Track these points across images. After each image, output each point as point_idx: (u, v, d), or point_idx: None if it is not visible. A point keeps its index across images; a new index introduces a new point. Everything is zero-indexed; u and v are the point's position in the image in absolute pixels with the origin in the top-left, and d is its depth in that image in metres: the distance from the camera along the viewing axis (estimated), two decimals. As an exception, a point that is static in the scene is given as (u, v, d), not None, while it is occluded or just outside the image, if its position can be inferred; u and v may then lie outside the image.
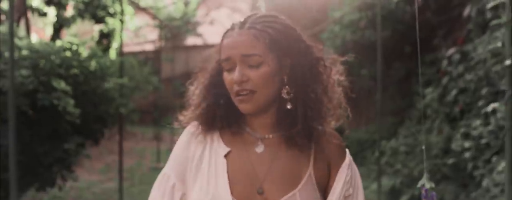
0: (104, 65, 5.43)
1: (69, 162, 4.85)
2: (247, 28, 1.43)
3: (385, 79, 9.39)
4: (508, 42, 3.06)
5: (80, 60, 5.10)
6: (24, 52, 4.42)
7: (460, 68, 6.53)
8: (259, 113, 1.46)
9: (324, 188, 1.48)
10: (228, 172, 1.44)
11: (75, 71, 5.00)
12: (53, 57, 4.60)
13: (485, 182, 5.14)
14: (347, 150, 1.53)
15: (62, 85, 4.39)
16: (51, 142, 4.60)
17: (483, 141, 5.36)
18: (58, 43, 5.35)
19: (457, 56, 6.72)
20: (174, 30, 14.35)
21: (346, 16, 9.32)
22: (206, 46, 16.51)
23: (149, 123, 12.97)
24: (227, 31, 1.46)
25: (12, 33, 3.28)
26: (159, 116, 11.72)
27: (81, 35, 11.42)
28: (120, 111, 5.78)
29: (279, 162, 1.46)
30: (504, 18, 3.09)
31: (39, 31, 12.63)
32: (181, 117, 1.55)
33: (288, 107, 1.43)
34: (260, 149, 1.47)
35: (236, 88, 1.41)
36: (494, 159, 5.20)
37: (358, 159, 9.26)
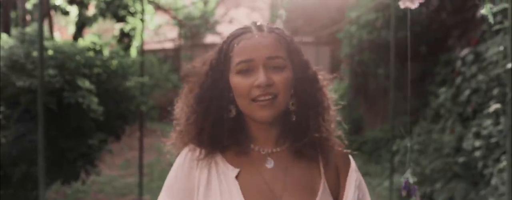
0: (126, 64, 5.65)
1: (93, 157, 5.08)
2: (267, 30, 1.41)
3: (400, 79, 9.52)
4: (509, 46, 3.21)
5: (103, 59, 5.33)
6: (50, 52, 4.65)
7: (474, 68, 6.63)
8: (266, 126, 1.42)
9: (336, 196, 1.47)
10: (242, 193, 1.38)
11: (98, 70, 5.22)
12: (78, 57, 4.82)
13: (493, 181, 5.28)
14: (350, 155, 1.53)
15: (86, 84, 4.62)
16: (76, 138, 4.83)
17: (493, 140, 5.50)
18: (82, 43, 5.58)
19: (470, 57, 6.82)
20: (193, 29, 14.56)
21: (363, 16, 9.44)
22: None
23: (169, 120, 13.18)
24: (242, 33, 1.41)
25: (41, 35, 3.49)
26: (178, 113, 11.94)
27: (102, 33, 11.68)
28: (140, 109, 6.00)
29: (293, 175, 1.43)
30: (506, 23, 3.24)
31: (62, 29, 12.91)
32: (171, 141, 1.47)
33: (293, 119, 1.41)
34: (270, 164, 1.43)
35: (257, 92, 1.36)
36: (503, 158, 5.33)
37: (374, 158, 9.41)
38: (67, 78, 4.57)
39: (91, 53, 5.27)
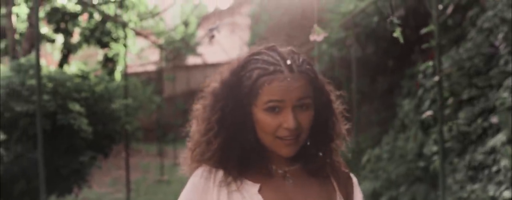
0: (111, 88, 6.19)
1: (84, 173, 5.62)
2: (298, 71, 1.39)
3: (370, 93, 10.06)
4: (437, 62, 3.81)
5: (90, 85, 5.87)
6: (44, 80, 5.19)
7: (432, 81, 7.21)
8: None
9: None
10: None
11: (86, 94, 5.75)
12: (68, 84, 5.37)
13: (448, 181, 5.84)
14: (351, 174, 1.57)
15: (77, 107, 5.17)
16: (68, 155, 5.36)
17: (448, 145, 6.06)
18: (70, 70, 6.12)
19: (429, 70, 7.41)
20: (175, 51, 15.03)
21: (332, 35, 9.97)
22: (206, 65, 17.25)
23: (153, 140, 13.64)
24: (273, 72, 1.37)
25: (38, 65, 4.04)
26: (162, 133, 12.41)
27: (86, 59, 12.20)
28: (126, 128, 6.53)
29: (313, 191, 1.46)
30: (433, 42, 3.84)
31: (47, 56, 13.38)
32: (186, 161, 1.50)
33: (308, 143, 1.44)
34: (290, 180, 1.45)
35: (284, 133, 1.38)
36: (455, 160, 5.90)
37: (350, 168, 9.94)
38: (60, 103, 5.12)
39: (78, 79, 5.81)
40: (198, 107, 1.47)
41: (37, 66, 3.94)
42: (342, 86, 10.49)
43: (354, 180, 1.55)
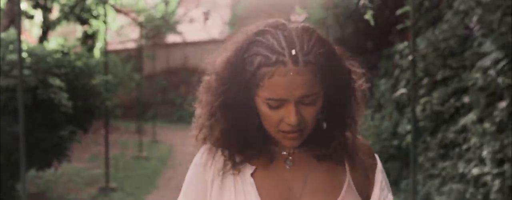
0: (91, 64, 6.24)
1: (64, 147, 5.69)
2: (303, 63, 1.23)
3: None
4: (412, 42, 3.93)
5: (70, 60, 5.91)
6: (24, 55, 5.23)
7: (408, 61, 7.36)
8: None
9: (365, 196, 1.39)
10: (258, 190, 1.32)
11: (66, 70, 5.80)
12: (48, 59, 5.42)
13: (420, 159, 6.01)
14: (376, 155, 1.45)
15: (57, 82, 5.22)
16: (48, 130, 5.42)
17: (421, 124, 6.23)
18: (50, 45, 6.16)
19: (406, 50, 7.55)
20: (155, 29, 15.02)
21: (312, 15, 10.07)
22: (186, 44, 17.26)
23: (132, 118, 13.68)
24: (275, 63, 1.23)
25: (19, 40, 4.08)
26: (142, 111, 12.46)
27: (65, 35, 12.16)
28: (106, 104, 6.59)
29: (315, 174, 1.35)
30: (408, 23, 3.95)
31: (25, 32, 13.31)
32: (192, 140, 1.39)
33: (324, 126, 1.33)
34: (290, 164, 1.36)
35: (286, 128, 1.27)
36: (428, 139, 6.07)
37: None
38: (40, 77, 5.16)
39: (59, 55, 5.85)
40: (203, 87, 1.37)
41: (19, 41, 3.99)
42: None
43: (378, 165, 1.42)
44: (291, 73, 1.22)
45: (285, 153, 1.36)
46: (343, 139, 1.35)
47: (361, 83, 1.36)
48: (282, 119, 1.26)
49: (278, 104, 1.25)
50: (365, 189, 1.39)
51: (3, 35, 5.62)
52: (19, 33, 4.11)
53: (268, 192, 1.32)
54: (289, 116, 1.25)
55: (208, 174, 1.36)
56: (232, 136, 1.32)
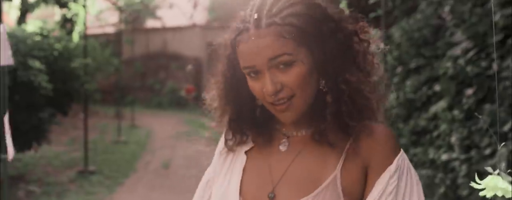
0: (70, 48, 6.30)
1: (43, 129, 5.75)
2: (265, 25, 1.17)
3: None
4: (383, 31, 4.07)
5: (49, 43, 5.97)
6: (4, 37, 5.26)
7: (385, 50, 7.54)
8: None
9: (358, 198, 1.21)
10: (244, 170, 1.29)
11: (45, 53, 5.85)
12: (28, 41, 5.46)
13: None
14: (400, 154, 1.22)
15: (37, 64, 5.27)
16: (28, 112, 5.47)
17: (394, 111, 6.40)
18: (29, 28, 6.20)
19: (383, 39, 7.71)
20: (134, 14, 15.05)
21: None
22: (165, 29, 17.27)
23: (111, 103, 13.70)
24: (240, 32, 1.20)
25: (1, 21, 4.13)
26: (121, 96, 12.51)
27: (43, 18, 12.15)
28: (85, 88, 6.65)
29: (300, 163, 1.25)
30: (379, 11, 4.09)
31: (4, 15, 13.25)
32: (214, 124, 1.38)
33: (330, 100, 1.21)
34: (284, 147, 1.27)
35: (269, 99, 1.19)
36: (401, 126, 6.25)
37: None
38: (20, 59, 5.21)
39: (39, 37, 5.90)
40: (214, 70, 1.32)
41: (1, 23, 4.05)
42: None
43: (393, 165, 1.20)
44: (253, 38, 1.17)
45: (286, 134, 1.28)
46: (341, 116, 1.20)
47: (370, 46, 1.25)
48: (263, 90, 1.19)
49: (254, 72, 1.19)
50: (359, 187, 1.21)
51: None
52: (0, 15, 4.16)
53: (251, 173, 1.28)
54: (265, 85, 1.17)
55: (223, 148, 1.35)
56: (240, 119, 1.29)
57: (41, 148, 6.86)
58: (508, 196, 1.06)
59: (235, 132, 1.31)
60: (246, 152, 1.31)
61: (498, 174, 1.09)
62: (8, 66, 4.99)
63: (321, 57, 1.18)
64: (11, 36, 5.36)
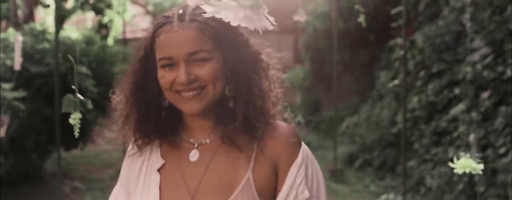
0: (112, 53, 6.75)
1: (88, 130, 6.19)
2: (189, 20, 1.25)
3: (352, 64, 10.65)
4: (403, 38, 4.41)
5: (94, 49, 6.43)
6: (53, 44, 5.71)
7: (408, 54, 7.81)
8: (199, 116, 1.30)
9: (272, 194, 1.28)
10: (160, 187, 1.30)
11: (89, 58, 6.31)
12: (76, 48, 5.92)
13: (416, 145, 6.49)
14: (302, 147, 1.31)
15: (84, 69, 5.71)
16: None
17: (417, 113, 6.69)
18: (73, 35, 6.67)
19: (407, 44, 7.98)
20: (165, 19, 15.38)
21: (317, 8, 10.49)
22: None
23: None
24: (163, 24, 1.27)
25: (57, 30, 4.58)
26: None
27: (77, 24, 12.64)
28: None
29: (214, 169, 1.28)
30: (400, 21, 4.42)
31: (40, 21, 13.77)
32: (118, 133, 1.40)
33: (230, 105, 1.26)
34: (194, 157, 1.31)
35: (179, 88, 1.25)
36: (423, 127, 6.54)
37: (329, 134, 10.54)
38: (69, 65, 5.65)
39: (83, 44, 6.36)
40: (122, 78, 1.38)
41: (56, 33, 4.47)
42: (324, 57, 11.04)
43: (298, 158, 1.30)
44: (176, 28, 1.23)
45: (193, 143, 1.32)
46: (249, 119, 1.26)
47: (274, 73, 1.35)
48: (175, 80, 1.25)
49: (169, 64, 1.25)
50: (272, 184, 1.28)
51: (36, 25, 6.13)
52: (57, 25, 4.59)
53: (167, 189, 1.30)
54: (179, 74, 1.23)
55: (133, 164, 1.38)
56: (145, 122, 1.31)
57: (85, 147, 7.29)
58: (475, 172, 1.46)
59: (141, 134, 1.33)
60: (158, 170, 1.32)
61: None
62: (60, 71, 5.44)
63: (233, 63, 1.26)
64: (62, 43, 5.82)
